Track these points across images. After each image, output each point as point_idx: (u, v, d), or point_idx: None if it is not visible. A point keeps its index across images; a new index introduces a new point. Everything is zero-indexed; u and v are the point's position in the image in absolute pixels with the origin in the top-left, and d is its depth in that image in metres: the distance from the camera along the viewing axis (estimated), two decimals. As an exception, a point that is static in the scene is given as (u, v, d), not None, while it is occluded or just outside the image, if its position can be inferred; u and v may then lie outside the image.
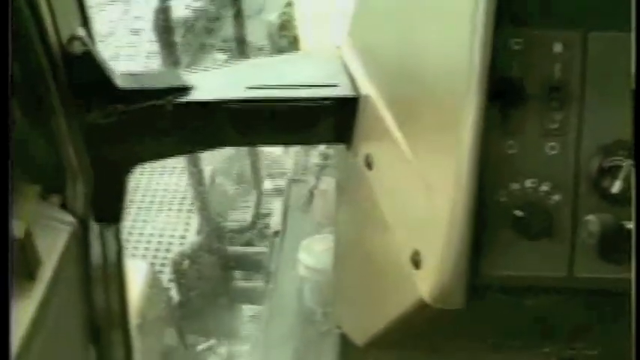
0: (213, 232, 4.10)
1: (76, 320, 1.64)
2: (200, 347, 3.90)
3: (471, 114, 1.15)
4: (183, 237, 4.28)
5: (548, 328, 1.49)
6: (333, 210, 2.10)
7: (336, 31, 1.82)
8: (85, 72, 1.46)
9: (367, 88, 1.55)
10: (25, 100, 1.40)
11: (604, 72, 1.20)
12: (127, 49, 6.16)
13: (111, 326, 1.81)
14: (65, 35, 1.44)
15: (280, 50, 4.13)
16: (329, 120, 1.61)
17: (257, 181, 4.20)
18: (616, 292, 1.22)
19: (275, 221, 4.36)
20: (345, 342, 1.87)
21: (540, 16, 1.19)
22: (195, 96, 1.58)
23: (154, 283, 3.43)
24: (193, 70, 1.73)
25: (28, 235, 1.27)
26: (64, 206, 1.53)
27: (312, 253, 3.35)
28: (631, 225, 1.17)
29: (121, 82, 1.51)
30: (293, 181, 4.35)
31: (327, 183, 3.76)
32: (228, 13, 6.29)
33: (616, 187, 1.19)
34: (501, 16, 1.14)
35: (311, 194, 3.97)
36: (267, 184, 4.66)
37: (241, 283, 4.33)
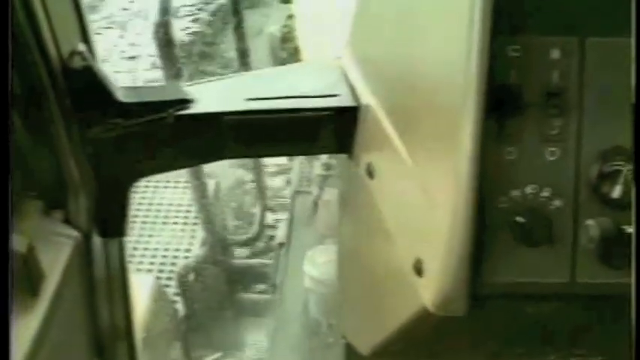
0: (218, 244, 4.10)
1: (80, 335, 1.63)
2: (206, 360, 3.90)
3: (470, 122, 1.15)
4: (188, 250, 4.28)
5: (550, 335, 1.49)
6: (337, 220, 2.10)
7: (336, 42, 1.82)
8: (86, 87, 1.47)
9: (367, 97, 1.56)
10: (26, 116, 1.41)
11: (602, 77, 1.20)
12: (123, 75, 6.07)
13: (116, 341, 1.81)
14: (66, 51, 1.44)
15: (281, 62, 4.14)
16: (330, 130, 1.61)
17: (261, 194, 4.19)
18: (618, 297, 1.22)
19: (280, 233, 4.37)
20: (350, 352, 1.87)
21: (537, 22, 1.19)
22: (197, 108, 1.59)
23: (159, 296, 3.43)
24: (194, 83, 1.73)
25: (31, 250, 1.27)
26: (66, 221, 1.53)
27: (317, 264, 3.35)
28: (631, 229, 1.17)
29: (122, 96, 1.52)
30: (297, 192, 4.35)
31: (331, 194, 3.76)
32: (227, 38, 6.24)
33: (616, 191, 1.19)
34: (498, 24, 1.15)
35: (315, 205, 3.97)
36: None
37: (246, 295, 4.33)
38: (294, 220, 4.22)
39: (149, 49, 6.03)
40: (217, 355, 3.94)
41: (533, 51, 1.19)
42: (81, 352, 1.65)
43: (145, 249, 4.30)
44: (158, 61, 3.30)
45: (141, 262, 4.20)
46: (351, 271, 1.92)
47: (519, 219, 1.20)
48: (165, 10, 3.11)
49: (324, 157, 3.95)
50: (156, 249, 4.31)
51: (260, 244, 4.44)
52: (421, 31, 1.34)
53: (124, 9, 7.04)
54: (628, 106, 1.16)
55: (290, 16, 4.19)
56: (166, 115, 1.55)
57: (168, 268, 4.20)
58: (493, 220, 1.21)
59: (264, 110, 1.60)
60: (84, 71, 1.46)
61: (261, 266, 4.33)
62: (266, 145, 1.65)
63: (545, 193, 1.21)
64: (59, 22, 1.40)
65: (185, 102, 1.58)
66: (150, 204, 4.61)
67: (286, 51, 4.17)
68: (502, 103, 1.19)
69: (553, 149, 1.21)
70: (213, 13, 6.90)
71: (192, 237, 4.38)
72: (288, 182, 4.71)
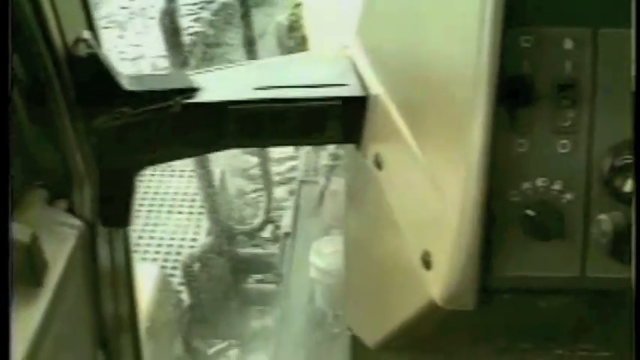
0: (224, 234, 4.09)
1: (84, 325, 1.63)
2: (211, 350, 3.90)
3: (481, 113, 1.14)
4: (194, 240, 4.27)
5: (559, 330, 1.48)
6: (343, 211, 2.09)
7: (345, 31, 1.81)
8: (91, 74, 1.45)
9: (376, 87, 1.54)
10: (30, 104, 1.40)
11: (615, 69, 1.19)
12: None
13: (120, 331, 1.80)
14: (70, 38, 1.43)
15: (289, 51, 4.12)
16: (338, 120, 1.60)
17: (267, 183, 4.18)
18: (627, 291, 1.20)
19: (286, 223, 4.36)
20: (356, 344, 1.86)
21: (550, 12, 1.18)
22: (203, 97, 1.58)
23: (164, 286, 3.43)
24: (200, 71, 1.72)
25: (35, 239, 1.27)
26: (71, 211, 1.52)
27: (323, 255, 3.33)
28: None
29: (127, 85, 1.51)
30: (304, 182, 4.34)
31: (338, 184, 3.75)
32: (230, 40, 6.14)
33: (628, 185, 1.18)
34: (510, 14, 1.13)
35: (321, 195, 3.96)
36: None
37: (252, 285, 4.33)
38: (300, 210, 4.21)
39: (150, 49, 5.99)
40: (222, 345, 3.94)
41: (546, 42, 1.18)
42: (85, 342, 1.64)
43: (151, 238, 4.30)
44: (159, 62, 3.27)
45: (146, 252, 4.20)
46: (357, 263, 1.91)
47: (530, 212, 1.19)
48: (171, -4, 3.10)
49: (331, 147, 3.93)
50: (161, 238, 4.31)
51: (265, 234, 4.44)
52: (431, 20, 1.33)
53: (123, 7, 6.87)
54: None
55: (297, 5, 4.17)
56: (172, 103, 1.54)
57: (174, 257, 4.20)
58: (503, 213, 1.20)
59: (271, 99, 1.59)
60: (89, 59, 1.44)
61: (267, 256, 4.33)
62: (273, 135, 1.64)
63: (557, 187, 1.20)
64: (64, 9, 1.39)
65: (191, 90, 1.57)
66: (155, 193, 4.61)
67: (293, 40, 4.15)
68: (513, 94, 1.17)
69: (565, 142, 1.19)
70: (216, 13, 6.71)
71: (198, 226, 4.38)
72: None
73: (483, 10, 1.13)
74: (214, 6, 6.76)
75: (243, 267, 4.29)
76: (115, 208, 1.63)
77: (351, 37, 1.75)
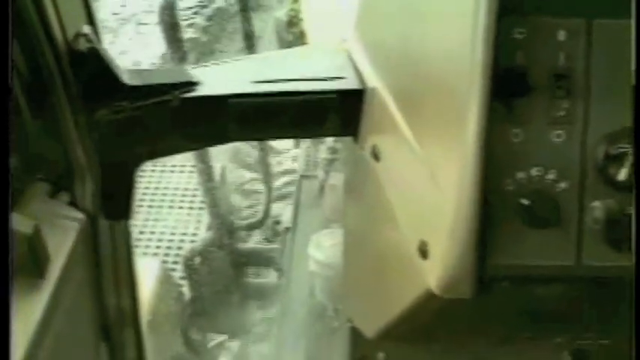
0: (224, 228, 4.10)
1: (87, 318, 1.64)
2: (211, 343, 3.91)
3: (476, 104, 1.15)
4: (194, 234, 4.28)
5: (558, 318, 1.49)
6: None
7: (342, 25, 1.82)
8: (92, 69, 1.47)
9: (373, 80, 1.56)
10: (32, 98, 1.41)
11: (609, 59, 1.20)
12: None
13: (122, 324, 1.81)
14: (71, 33, 1.44)
15: (287, 46, 4.12)
16: (336, 113, 1.61)
17: (267, 177, 4.19)
18: (624, 279, 1.22)
19: (286, 217, 4.37)
20: (355, 335, 1.87)
21: (543, 3, 1.19)
22: (202, 91, 1.59)
23: (165, 280, 3.44)
24: (200, 66, 1.73)
25: (37, 231, 1.28)
26: (72, 204, 1.53)
27: (322, 247, 3.35)
28: None
29: (127, 79, 1.52)
30: (303, 177, 4.35)
31: (337, 178, 3.76)
32: (225, 47, 6.02)
33: (622, 174, 1.19)
34: (504, 5, 1.14)
35: (321, 189, 3.97)
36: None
37: (252, 279, 4.34)
38: (300, 204, 4.22)
39: (141, 55, 5.94)
40: (222, 337, 3.95)
41: (540, 33, 1.19)
42: (87, 334, 1.65)
43: (152, 233, 4.31)
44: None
45: (147, 247, 4.21)
46: (356, 254, 1.92)
47: (525, 201, 1.20)
48: (171, -8, 3.11)
49: (329, 141, 3.94)
50: (162, 233, 4.32)
51: (266, 229, 4.45)
52: (427, 13, 1.34)
53: (115, 13, 6.80)
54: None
55: (296, 0, 4.18)
56: (172, 97, 1.55)
57: (175, 252, 4.21)
58: (498, 203, 1.21)
59: (269, 93, 1.60)
60: (89, 53, 1.46)
61: (268, 250, 4.34)
62: (272, 128, 1.65)
63: (551, 176, 1.21)
64: (64, 3, 1.40)
65: (191, 84, 1.58)
66: (156, 188, 4.62)
67: (292, 35, 4.15)
68: (508, 85, 1.18)
69: (559, 131, 1.21)
70: (210, 18, 6.59)
71: (199, 221, 4.39)
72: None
73: (477, 1, 1.14)
74: (208, 11, 6.64)
75: (244, 261, 4.30)
76: (116, 201, 1.64)
77: (349, 31, 1.76)
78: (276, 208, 4.51)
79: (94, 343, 1.69)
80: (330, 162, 3.88)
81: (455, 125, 1.20)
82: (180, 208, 4.52)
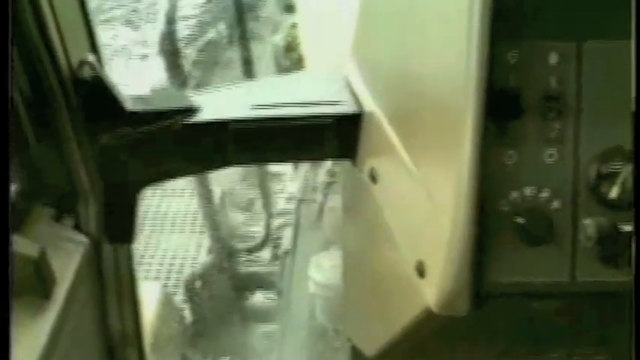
0: (224, 251, 4.12)
1: (91, 340, 1.66)
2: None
3: (471, 126, 1.17)
4: (195, 258, 4.30)
5: (554, 334, 1.51)
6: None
7: (340, 50, 1.84)
8: (95, 96, 1.49)
9: (370, 104, 1.58)
10: (36, 124, 1.43)
11: (599, 81, 1.22)
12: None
13: (125, 346, 1.83)
14: (75, 60, 1.47)
15: (285, 71, 4.15)
16: (334, 136, 1.63)
17: (266, 201, 4.21)
18: (619, 294, 1.24)
19: (286, 241, 4.38)
20: (356, 355, 1.88)
21: (536, 27, 1.21)
22: (203, 116, 1.61)
23: (166, 302, 3.45)
24: (200, 91, 1.76)
25: (43, 255, 1.30)
26: (77, 227, 1.56)
27: (322, 269, 3.36)
28: (628, 227, 1.20)
29: (130, 105, 1.54)
30: (302, 200, 4.36)
31: (336, 201, 3.78)
32: (218, 79, 5.92)
33: (614, 192, 1.21)
34: (497, 29, 1.17)
35: (320, 212, 3.99)
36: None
37: (253, 302, 4.34)
38: (300, 227, 4.23)
39: (131, 87, 5.90)
40: (225, 360, 3.95)
41: (532, 56, 1.21)
42: (91, 356, 1.67)
43: (152, 257, 4.32)
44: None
45: (148, 270, 4.21)
46: (355, 275, 1.93)
47: (519, 220, 1.22)
48: (171, 20, 3.14)
49: (328, 164, 3.96)
50: (163, 257, 4.33)
51: (266, 252, 4.46)
52: (422, 38, 1.36)
53: (106, 45, 6.54)
54: (625, 108, 1.18)
55: (293, 26, 4.21)
56: (173, 122, 1.58)
57: (175, 275, 4.21)
58: (494, 221, 1.23)
59: (268, 118, 1.62)
60: (93, 81, 1.48)
61: (267, 273, 4.35)
62: (271, 152, 1.67)
63: (545, 195, 1.23)
64: (69, 32, 1.43)
65: (191, 110, 1.61)
66: (156, 212, 4.63)
67: (290, 60, 4.18)
68: (502, 107, 1.21)
69: (552, 151, 1.23)
70: (202, 50, 6.29)
71: (199, 245, 4.40)
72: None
73: (471, 25, 1.16)
74: (199, 43, 6.36)
75: (244, 284, 4.31)
76: (119, 225, 1.66)
77: (346, 56, 1.78)
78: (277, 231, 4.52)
79: None
80: (329, 185, 3.89)
81: (450, 147, 1.22)
82: (181, 232, 4.53)
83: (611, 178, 1.22)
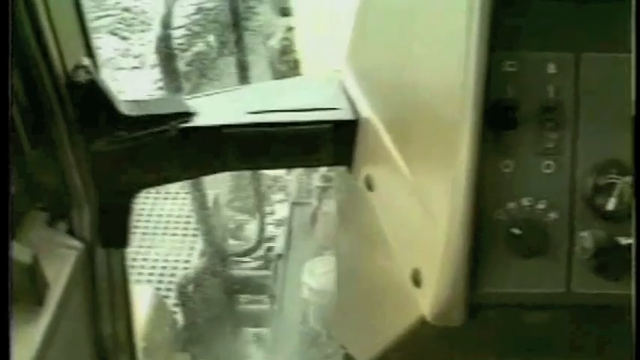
0: (217, 255, 4.11)
1: (84, 344, 1.65)
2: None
3: (467, 135, 1.17)
4: (187, 261, 4.29)
5: (548, 345, 1.50)
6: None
7: (337, 54, 1.84)
8: (90, 100, 1.49)
9: (366, 111, 1.57)
10: (31, 128, 1.43)
11: (597, 92, 1.22)
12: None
13: (118, 350, 1.82)
14: (70, 64, 1.46)
15: (281, 75, 4.14)
16: (329, 143, 1.63)
17: (260, 205, 4.20)
18: (614, 306, 1.24)
19: (279, 245, 4.37)
20: (349, 362, 1.88)
21: (534, 38, 1.21)
22: (199, 121, 1.61)
23: (159, 307, 3.44)
24: (196, 96, 1.75)
25: (36, 260, 1.29)
26: (70, 232, 1.55)
27: (316, 275, 3.35)
28: (625, 241, 1.19)
29: (125, 110, 1.54)
30: (296, 204, 4.35)
31: (330, 205, 3.77)
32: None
33: (611, 204, 1.21)
34: (495, 39, 1.17)
35: (314, 217, 3.98)
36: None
37: (245, 306, 4.34)
38: (293, 232, 4.22)
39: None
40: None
41: (530, 66, 1.21)
42: None
43: (145, 259, 4.31)
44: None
45: (140, 273, 4.21)
46: (349, 282, 1.93)
47: (515, 231, 1.22)
48: (167, 24, 3.13)
49: (323, 169, 3.96)
50: (155, 260, 4.32)
51: (258, 256, 4.45)
52: (419, 46, 1.36)
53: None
54: (623, 119, 1.18)
55: (289, 29, 4.20)
56: (169, 127, 1.57)
57: (168, 279, 4.21)
58: (490, 232, 1.23)
59: (264, 123, 1.62)
60: (88, 85, 1.48)
61: (260, 277, 4.34)
62: (267, 158, 1.67)
63: (541, 206, 1.23)
64: (64, 36, 1.42)
65: (187, 115, 1.60)
66: (149, 215, 4.62)
67: (285, 64, 4.17)
68: (499, 117, 1.20)
69: (549, 162, 1.23)
70: (189, 63, 6.19)
71: (192, 248, 4.39)
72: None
73: (469, 35, 1.16)
74: (188, 55, 6.28)
75: (237, 288, 4.30)
76: (113, 230, 1.66)
77: (342, 62, 1.78)
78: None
79: None
80: (324, 190, 3.89)
81: (446, 156, 1.22)
82: (174, 234, 4.52)
83: (608, 189, 1.21)
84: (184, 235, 4.48)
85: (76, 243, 1.53)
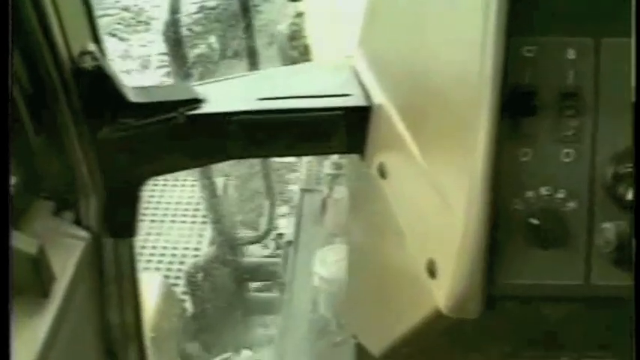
0: (227, 243, 4.09)
1: (91, 335, 1.64)
2: (215, 359, 3.89)
3: (485, 122, 1.14)
4: (196, 249, 4.28)
5: (565, 338, 1.48)
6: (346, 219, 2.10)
7: (348, 40, 1.82)
8: (97, 86, 1.46)
9: (379, 97, 1.55)
10: (36, 115, 1.40)
11: (617, 78, 1.19)
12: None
13: (126, 340, 1.81)
14: (76, 50, 1.44)
15: (291, 61, 4.11)
16: (341, 130, 1.61)
17: (269, 192, 4.18)
18: (632, 299, 1.21)
19: (288, 232, 4.36)
20: (361, 352, 1.86)
21: (553, 22, 1.18)
22: (207, 108, 1.58)
23: (168, 295, 3.44)
24: (204, 83, 1.73)
25: (42, 251, 1.28)
26: (77, 222, 1.53)
27: (326, 263, 3.34)
28: None
29: (132, 96, 1.52)
30: (306, 190, 4.34)
31: (340, 192, 3.76)
32: None
33: (631, 194, 1.18)
34: (513, 24, 1.14)
35: (324, 204, 3.96)
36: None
37: (255, 294, 4.33)
38: (303, 219, 4.21)
39: None
40: (227, 355, 3.93)
41: (549, 51, 1.18)
42: (91, 353, 1.65)
43: (154, 247, 4.31)
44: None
45: (149, 261, 4.21)
46: (361, 271, 1.91)
47: (533, 220, 1.19)
48: (175, 9, 3.12)
49: (334, 156, 3.94)
50: (164, 247, 4.32)
51: (269, 243, 4.45)
52: (434, 30, 1.34)
53: None
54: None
55: (299, 14, 4.17)
56: (177, 114, 1.55)
57: (177, 267, 4.20)
58: (507, 222, 1.20)
59: (274, 110, 1.59)
60: (94, 71, 1.45)
61: (270, 265, 4.33)
62: (277, 145, 1.64)
63: (560, 195, 1.20)
64: (69, 21, 1.40)
65: (195, 102, 1.58)
66: (158, 202, 4.62)
67: (296, 49, 4.14)
68: (517, 103, 1.18)
69: (568, 150, 1.20)
70: (192, 66, 5.78)
71: (201, 235, 4.38)
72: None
73: (487, 19, 1.13)
74: (191, 58, 6.01)
75: (247, 276, 4.29)
76: (120, 219, 1.64)
77: (354, 47, 1.75)
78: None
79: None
80: (334, 177, 3.87)
81: (463, 143, 1.19)
82: (183, 222, 4.52)
83: (628, 179, 1.18)
84: (193, 222, 4.47)
85: (83, 233, 1.51)
